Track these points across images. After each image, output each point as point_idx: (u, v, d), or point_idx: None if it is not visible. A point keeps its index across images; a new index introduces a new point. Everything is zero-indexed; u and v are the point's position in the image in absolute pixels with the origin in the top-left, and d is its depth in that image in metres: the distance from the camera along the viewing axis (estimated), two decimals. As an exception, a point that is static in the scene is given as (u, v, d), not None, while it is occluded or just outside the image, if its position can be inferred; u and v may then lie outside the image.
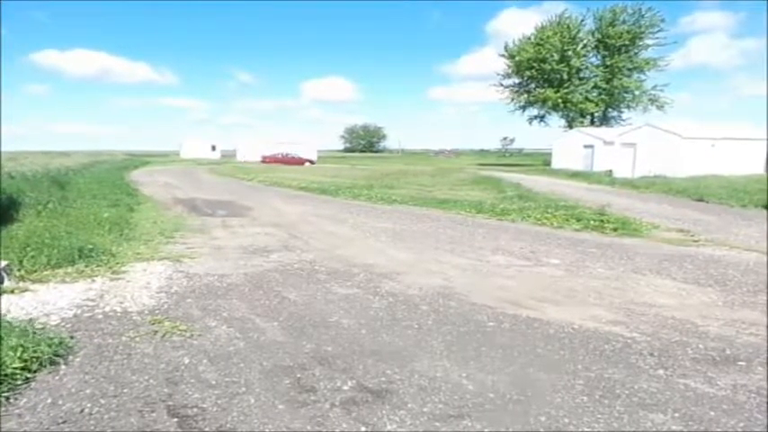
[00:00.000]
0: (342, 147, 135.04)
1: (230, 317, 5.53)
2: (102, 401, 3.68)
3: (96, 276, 6.91)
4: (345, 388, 3.94)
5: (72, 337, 4.78)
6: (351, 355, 4.54)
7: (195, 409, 3.61)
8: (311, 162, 53.86)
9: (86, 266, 7.19)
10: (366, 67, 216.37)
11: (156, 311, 5.64)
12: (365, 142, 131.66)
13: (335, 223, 12.32)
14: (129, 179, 27.04)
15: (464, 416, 3.53)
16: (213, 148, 78.81)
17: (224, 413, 3.56)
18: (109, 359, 4.40)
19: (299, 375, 4.15)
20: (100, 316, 5.48)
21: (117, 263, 7.56)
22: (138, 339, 4.83)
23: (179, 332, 5.02)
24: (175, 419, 3.48)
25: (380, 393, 3.85)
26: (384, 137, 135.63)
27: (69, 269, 7.03)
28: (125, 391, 3.85)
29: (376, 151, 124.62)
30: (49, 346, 4.34)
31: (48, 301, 5.86)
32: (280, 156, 53.35)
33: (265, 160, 52.25)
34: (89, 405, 3.63)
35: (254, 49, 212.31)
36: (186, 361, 4.40)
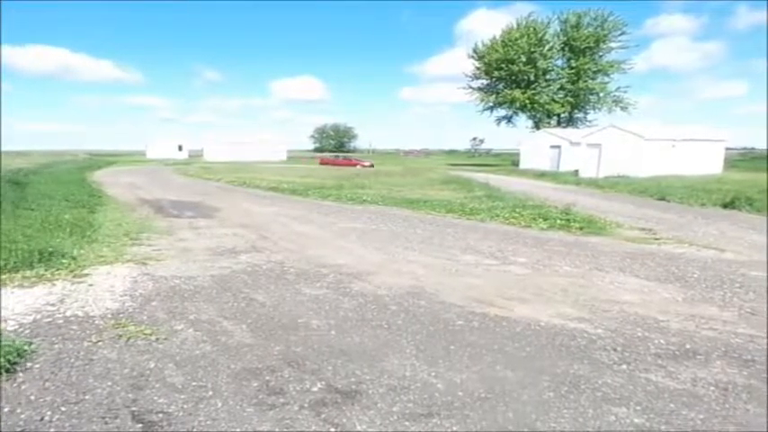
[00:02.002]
0: (312, 147, 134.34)
1: (197, 320, 5.44)
2: (63, 409, 3.58)
3: (57, 280, 6.70)
4: (315, 389, 3.92)
5: (30, 344, 4.63)
6: (320, 356, 4.52)
7: (161, 415, 3.54)
8: (370, 165, 49.27)
9: (46, 270, 6.97)
10: (336, 66, 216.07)
11: (120, 315, 5.50)
12: (335, 142, 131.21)
13: (305, 224, 12.25)
14: (92, 180, 26.32)
15: (433, 414, 3.56)
16: (180, 147, 77.38)
17: (190, 417, 3.50)
18: (70, 365, 4.27)
19: (267, 378, 4.11)
20: (60, 321, 5.31)
21: (79, 266, 7.35)
22: (100, 344, 4.71)
23: (144, 336, 4.91)
24: (140, 425, 3.41)
25: (350, 394, 3.84)
26: (354, 137, 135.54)
27: (28, 273, 6.80)
28: (87, 397, 3.75)
29: (346, 151, 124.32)
30: (5, 352, 4.19)
31: (4, 306, 5.66)
32: (335, 158, 53.97)
33: (323, 162, 53.18)
34: (49, 413, 3.52)
35: (222, 46, 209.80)
36: (151, 365, 4.31)
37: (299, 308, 5.88)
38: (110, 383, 3.96)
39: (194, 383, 4.00)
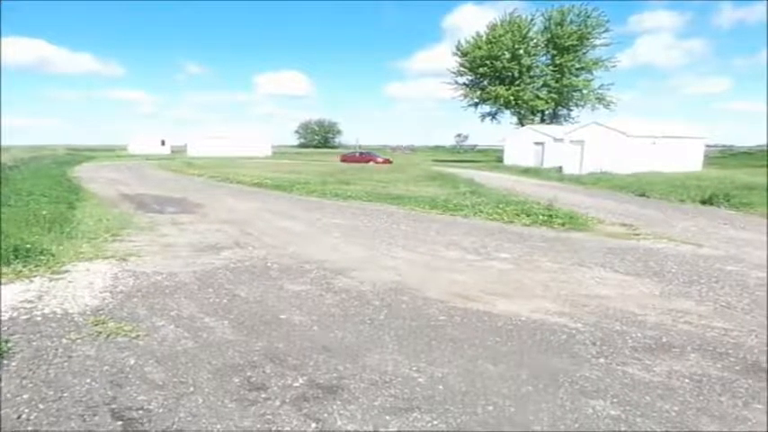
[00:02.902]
0: (297, 142, 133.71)
1: (179, 316, 5.41)
2: (41, 406, 3.54)
3: (35, 277, 6.61)
4: (296, 385, 3.93)
5: (7, 341, 4.57)
6: (302, 352, 4.53)
7: (141, 412, 3.53)
8: (384, 161, 47.24)
9: (24, 267, 6.86)
10: (321, 61, 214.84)
11: (100, 312, 5.45)
12: (320, 138, 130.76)
13: (289, 219, 12.21)
14: (72, 175, 25.93)
15: (414, 408, 3.59)
16: (163, 142, 76.53)
17: (171, 414, 3.49)
18: (48, 362, 4.22)
19: (249, 374, 4.11)
20: (38, 318, 5.25)
21: (57, 262, 7.25)
22: (79, 341, 4.66)
23: (124, 333, 4.87)
24: (119, 422, 3.39)
25: (331, 389, 3.86)
26: (339, 132, 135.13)
27: (5, 269, 6.69)
28: (65, 395, 3.72)
29: (331, 147, 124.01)
30: (-17, 350, 4.14)
31: (-19, 303, 5.57)
32: (357, 155, 51.03)
33: (344, 159, 49.75)
34: (27, 410, 3.48)
35: (205, 40, 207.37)
36: (131, 362, 4.28)
37: (281, 304, 5.87)
38: (89, 381, 3.93)
39: (175, 380, 3.98)
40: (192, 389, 3.84)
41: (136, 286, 6.44)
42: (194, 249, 8.67)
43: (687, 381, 4.07)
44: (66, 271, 6.97)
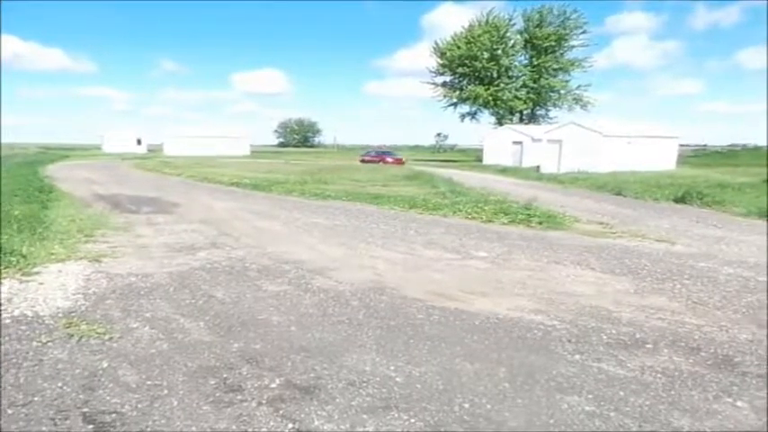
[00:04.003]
0: (276, 142, 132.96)
1: (153, 317, 5.33)
2: (10, 411, 3.46)
3: (4, 279, 6.43)
4: (273, 386, 3.90)
5: (-25, 345, 4.45)
6: (279, 353, 4.50)
7: (113, 415, 3.46)
8: (395, 161, 45.40)
9: (-7, 268, 6.69)
10: (300, 59, 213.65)
11: (72, 314, 5.34)
12: (300, 137, 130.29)
13: (267, 219, 12.12)
14: (44, 174, 25.36)
15: (391, 407, 3.59)
16: (139, 141, 75.31)
17: (144, 417, 3.43)
18: (17, 366, 4.12)
19: (225, 375, 4.06)
20: (7, 321, 5.12)
21: (28, 264, 7.07)
22: (50, 344, 4.56)
23: (97, 335, 4.78)
24: (91, 426, 3.33)
25: (309, 389, 3.84)
26: (319, 132, 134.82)
27: (-26, 271, 6.52)
28: (36, 399, 3.63)
29: (311, 146, 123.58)
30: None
31: (-52, 306, 5.41)
32: (373, 155, 49.42)
33: (363, 160, 47.40)
34: (-6, 416, 3.39)
35: (180, 36, 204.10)
36: (104, 365, 4.20)
37: (259, 304, 5.82)
38: (60, 384, 3.84)
39: (149, 382, 3.92)
40: (166, 391, 3.79)
41: (110, 288, 6.33)
42: (170, 250, 8.55)
43: (660, 376, 4.14)
44: (38, 272, 6.81)
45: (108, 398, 3.68)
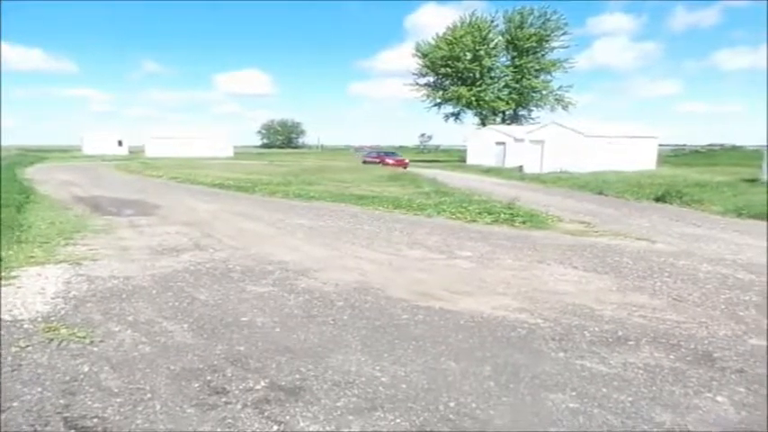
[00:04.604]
0: (259, 143, 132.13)
1: (135, 321, 5.26)
2: (-13, 418, 3.39)
3: (-18, 283, 6.31)
4: (258, 387, 3.87)
5: (-49, 351, 4.35)
6: (264, 354, 4.47)
7: (95, 420, 3.41)
8: (396, 163, 40.51)
9: (-30, 272, 6.55)
10: (283, 60, 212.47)
11: (52, 318, 5.25)
12: (283, 138, 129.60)
13: (251, 221, 12.04)
14: (22, 177, 24.89)
15: (377, 408, 3.59)
16: (120, 143, 74.15)
17: (127, 421, 3.39)
18: (-5, 372, 4.04)
19: (209, 378, 4.03)
20: (-15, 326, 5.02)
21: (6, 267, 6.95)
22: (29, 349, 4.48)
23: (77, 339, 4.71)
24: (72, 431, 3.27)
25: (294, 391, 3.82)
26: (303, 132, 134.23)
27: (-51, 276, 6.38)
28: (15, 405, 3.56)
29: (295, 147, 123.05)
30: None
31: None
32: (374, 155, 45.31)
33: (366, 161, 44.28)
34: (-29, 423, 3.32)
35: (161, 36, 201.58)
36: (85, 369, 4.14)
37: (243, 306, 5.78)
38: (39, 389, 3.78)
39: (132, 386, 3.87)
40: (149, 395, 3.74)
41: (90, 291, 6.23)
42: (153, 252, 8.45)
43: (641, 372, 4.20)
44: (16, 276, 6.69)
45: (89, 402, 3.63)
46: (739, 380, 4.08)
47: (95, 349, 4.54)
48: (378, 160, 42.08)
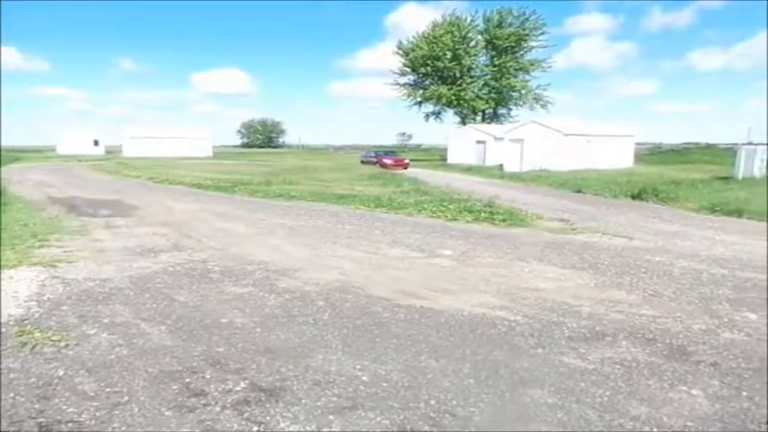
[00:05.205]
0: (239, 142, 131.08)
1: (112, 323, 5.18)
2: (-42, 425, 3.30)
3: (-48, 286, 6.15)
4: (237, 389, 3.84)
5: None
6: (244, 355, 4.44)
7: (70, 424, 3.35)
8: (394, 163, 37.44)
9: (-61, 276, 6.38)
10: (262, 58, 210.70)
11: (25, 322, 5.14)
12: (263, 138, 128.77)
13: (230, 221, 11.93)
14: (-5, 178, 24.32)
15: (357, 406, 3.58)
16: (96, 142, 72.92)
17: (104, 425, 3.34)
18: (-34, 377, 3.95)
19: (187, 380, 3.98)
20: (-44, 330, 4.89)
21: (-22, 270, 6.78)
22: (2, 353, 4.38)
23: (52, 343, 4.62)
24: (46, 437, 3.21)
25: (274, 392, 3.80)
26: (283, 132, 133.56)
27: None
28: (-14, 411, 3.48)
29: (275, 147, 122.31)
30: None
31: None
32: (372, 155, 42.61)
33: (363, 161, 41.97)
34: (-60, 430, 3.24)
35: (138, 34, 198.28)
36: (60, 373, 4.06)
37: (222, 307, 5.73)
38: (12, 395, 3.70)
39: (108, 390, 3.81)
40: (126, 398, 3.69)
41: (65, 293, 6.12)
42: (130, 253, 8.32)
43: (618, 367, 4.26)
44: (-12, 279, 6.53)
45: (64, 407, 3.56)
46: (713, 373, 4.16)
47: (70, 353, 4.45)
48: (375, 160, 39.14)
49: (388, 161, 37.82)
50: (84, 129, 76.96)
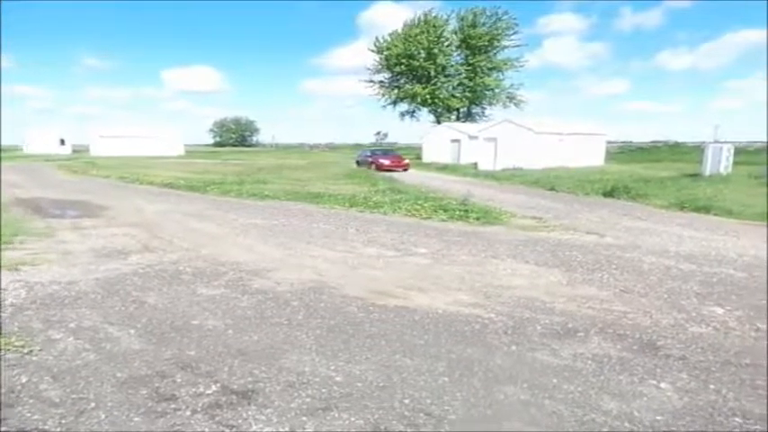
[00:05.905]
0: (212, 141, 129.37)
1: (79, 327, 5.04)
2: None
3: None
4: (209, 392, 3.77)
5: None
6: (215, 358, 4.36)
7: (33, 433, 3.24)
8: (391, 162, 32.54)
9: None
10: (233, 56, 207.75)
11: (-13, 327, 4.97)
12: (237, 136, 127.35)
13: (203, 221, 11.75)
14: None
15: (331, 407, 3.55)
16: (62, 141, 71.14)
17: (68, 433, 3.24)
18: None
19: (157, 384, 3.89)
20: None
21: (-64, 275, 6.54)
22: (-39, 361, 4.22)
23: (14, 349, 4.46)
24: (8, 447, 3.10)
25: (246, 394, 3.74)
26: (257, 131, 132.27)
27: None
28: (-57, 421, 3.35)
29: (249, 146, 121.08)
30: None
31: None
32: (368, 155, 36.41)
33: (358, 162, 36.37)
34: None
35: (102, 31, 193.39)
36: (23, 380, 3.93)
37: (193, 309, 5.62)
38: (-28, 403, 3.56)
39: (74, 396, 3.70)
40: (93, 404, 3.59)
41: (29, 298, 5.93)
42: (98, 255, 8.12)
43: (590, 362, 4.32)
44: (-53, 284, 6.30)
45: (28, 414, 3.45)
46: (681, 367, 4.25)
47: (35, 359, 4.32)
48: (371, 161, 33.58)
49: (385, 161, 32.53)
50: (49, 128, 74.95)
